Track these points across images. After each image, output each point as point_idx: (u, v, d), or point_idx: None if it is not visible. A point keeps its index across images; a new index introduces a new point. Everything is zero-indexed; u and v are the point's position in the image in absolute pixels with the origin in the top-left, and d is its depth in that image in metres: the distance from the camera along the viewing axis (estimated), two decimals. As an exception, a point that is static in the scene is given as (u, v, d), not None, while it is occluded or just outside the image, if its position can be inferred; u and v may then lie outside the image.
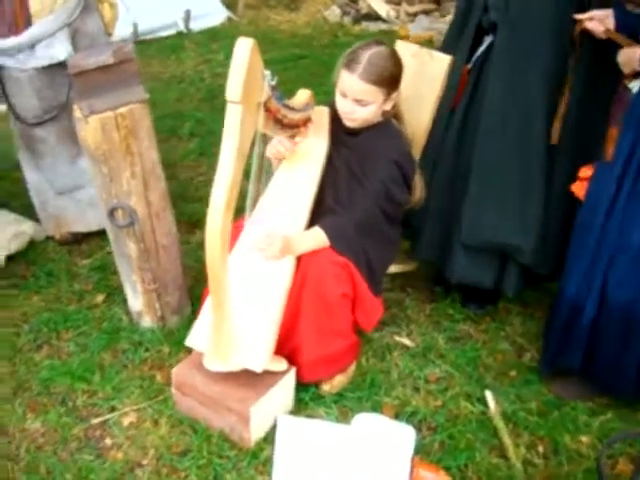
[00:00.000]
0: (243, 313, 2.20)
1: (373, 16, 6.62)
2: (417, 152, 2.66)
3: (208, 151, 4.07)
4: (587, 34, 2.33)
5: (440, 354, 2.67)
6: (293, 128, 2.26)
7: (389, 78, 2.30)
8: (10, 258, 3.10)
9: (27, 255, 3.17)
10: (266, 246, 2.27)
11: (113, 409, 2.40)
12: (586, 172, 2.31)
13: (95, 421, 2.35)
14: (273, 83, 1.91)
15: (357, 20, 6.63)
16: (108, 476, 2.15)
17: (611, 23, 2.24)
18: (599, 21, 2.25)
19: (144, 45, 5.80)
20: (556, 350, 2.46)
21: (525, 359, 2.68)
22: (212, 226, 1.89)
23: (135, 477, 2.16)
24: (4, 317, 2.79)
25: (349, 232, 2.34)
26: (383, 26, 6.46)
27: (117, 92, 2.29)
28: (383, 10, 6.53)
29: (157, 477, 2.15)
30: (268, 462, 2.20)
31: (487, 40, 2.49)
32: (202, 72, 5.40)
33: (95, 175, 2.41)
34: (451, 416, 2.40)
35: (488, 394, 2.45)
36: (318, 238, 2.32)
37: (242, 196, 2.19)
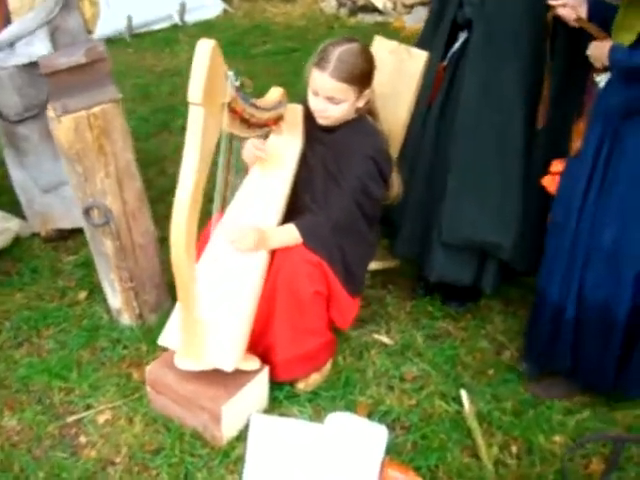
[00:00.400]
0: (213, 311, 2.21)
1: (370, 8, 6.60)
2: (395, 149, 2.65)
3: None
4: (560, 22, 2.31)
5: (418, 352, 2.67)
6: (262, 127, 2.26)
7: (360, 75, 2.29)
8: (-5, 254, 3.12)
9: (12, 252, 3.19)
10: (239, 238, 2.26)
11: (89, 407, 2.41)
12: (557, 166, 2.31)
13: (70, 419, 2.37)
14: (237, 84, 1.90)
15: (353, 12, 6.61)
16: (80, 474, 2.17)
17: (584, 12, 2.22)
18: (572, 8, 2.22)
19: (138, 38, 5.81)
20: (541, 352, 2.44)
21: (504, 357, 2.68)
22: (177, 225, 1.90)
23: (107, 475, 2.17)
24: (-14, 314, 2.81)
25: (324, 231, 2.33)
26: (379, 18, 6.44)
27: (90, 92, 2.29)
28: (380, 2, 6.51)
29: (129, 475, 2.17)
30: (239, 461, 2.21)
31: (462, 36, 2.48)
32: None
33: (70, 174, 2.42)
34: (425, 415, 2.40)
35: (463, 393, 2.45)
36: (292, 234, 2.32)
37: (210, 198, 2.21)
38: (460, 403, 2.43)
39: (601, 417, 2.42)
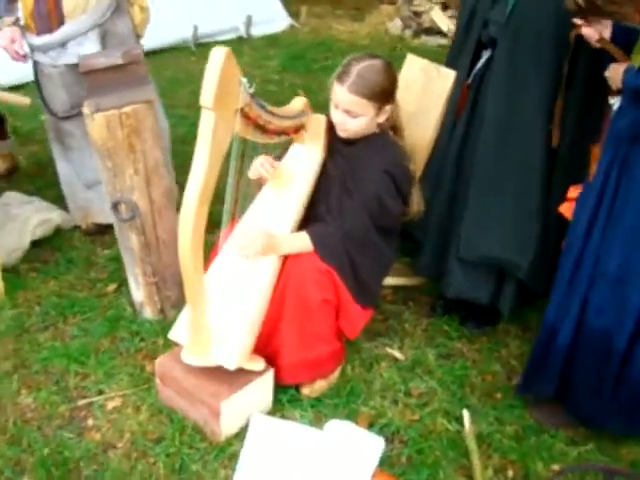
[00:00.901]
0: (221, 311, 2.28)
1: (434, 30, 6.63)
2: (419, 166, 2.69)
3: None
4: (583, 44, 2.31)
5: (428, 369, 2.68)
6: (281, 134, 2.32)
7: (379, 92, 2.33)
8: (37, 243, 3.27)
9: (52, 241, 3.34)
10: (247, 243, 2.33)
11: (100, 392, 2.51)
12: (573, 192, 2.30)
13: (81, 402, 2.47)
14: (251, 90, 1.97)
15: (417, 33, 6.66)
16: (82, 454, 2.26)
17: (607, 33, 2.21)
18: (595, 28, 2.22)
19: (203, 47, 5.98)
20: (531, 374, 2.44)
21: (515, 382, 2.66)
22: (184, 225, 1.98)
23: (107, 458, 2.26)
24: (19, 297, 2.95)
25: (335, 241, 2.38)
26: (442, 40, 6.46)
27: (124, 92, 2.41)
28: (444, 24, 6.53)
29: (127, 460, 2.25)
30: (234, 457, 2.26)
31: (485, 55, 2.51)
32: (253, 77, 5.43)
33: (102, 169, 2.54)
34: (425, 431, 2.41)
35: (465, 413, 2.44)
36: (303, 241, 2.37)
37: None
38: (462, 423, 2.43)
39: (605, 451, 2.38)
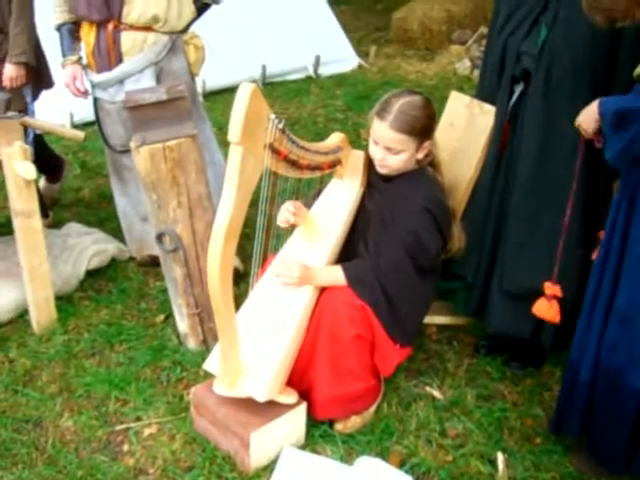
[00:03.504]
0: (255, 343, 2.31)
1: (502, 70, 6.58)
2: (461, 203, 2.69)
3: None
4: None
5: (466, 410, 2.63)
6: (314, 170, 2.35)
7: (420, 128, 2.34)
8: (92, 273, 3.39)
9: (108, 272, 3.46)
10: (284, 270, 2.36)
11: (138, 419, 2.56)
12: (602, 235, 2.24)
13: (119, 427, 2.53)
14: (281, 126, 2.01)
15: (485, 74, 6.62)
16: (113, 478, 2.31)
17: None
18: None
19: (271, 87, 6.13)
20: (561, 413, 2.37)
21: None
22: (212, 256, 2.02)
23: (137, 483, 2.31)
24: (71, 324, 3.06)
25: (369, 277, 2.38)
26: (509, 81, 6.41)
27: (168, 127, 2.50)
28: (512, 65, 6.48)
29: (156, 487, 2.29)
30: (262, 489, 2.27)
31: (518, 89, 2.49)
32: (318, 116, 5.61)
33: (147, 201, 2.63)
34: (457, 473, 2.36)
35: (500, 456, 2.38)
36: (337, 276, 2.38)
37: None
38: (496, 467, 2.37)
39: (649, 504, 2.28)
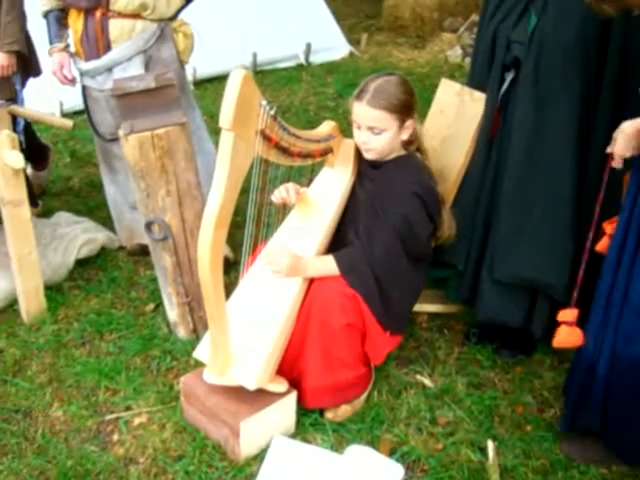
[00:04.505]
0: (244, 331, 2.30)
1: (494, 58, 6.56)
2: (451, 190, 2.68)
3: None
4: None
5: (456, 398, 2.63)
6: (306, 157, 2.34)
7: (399, 104, 2.34)
8: (82, 262, 3.37)
9: (97, 261, 3.44)
10: (274, 260, 2.35)
11: (128, 408, 2.56)
12: (608, 228, 2.22)
13: (109, 417, 2.52)
14: (272, 112, 2.00)
15: (476, 61, 6.61)
16: (103, 467, 2.30)
17: None
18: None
19: (262, 75, 6.10)
20: (575, 409, 2.36)
21: (547, 415, 2.58)
22: (203, 244, 2.01)
23: (127, 472, 2.30)
24: (61, 314, 3.04)
25: (362, 265, 2.37)
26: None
27: (157, 115, 2.48)
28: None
29: (146, 476, 2.28)
30: (252, 478, 2.27)
31: (509, 77, 2.48)
32: (309, 104, 5.59)
33: (136, 190, 2.61)
34: (447, 461, 2.36)
35: (490, 444, 2.39)
36: (329, 266, 2.37)
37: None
38: (487, 454, 2.37)
39: (639, 490, 2.29)
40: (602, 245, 2.29)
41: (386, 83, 2.35)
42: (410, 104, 2.39)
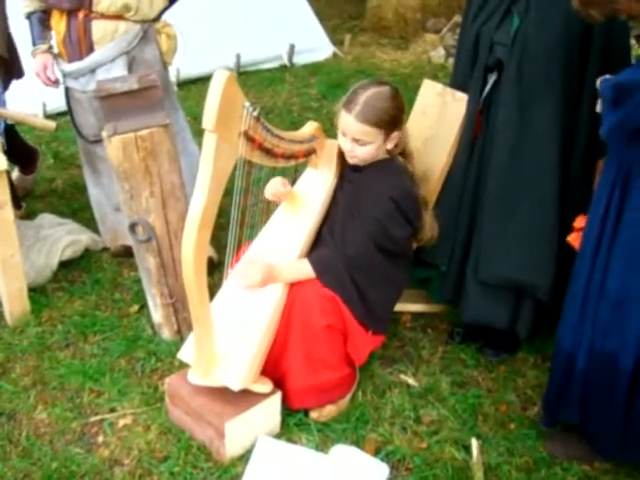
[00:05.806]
0: (228, 332, 2.31)
1: (476, 59, 6.60)
2: (434, 191, 2.70)
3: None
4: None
5: (440, 397, 2.65)
6: (290, 158, 2.35)
7: (387, 119, 2.34)
8: (66, 264, 3.35)
9: (81, 263, 3.42)
10: (247, 273, 2.36)
11: (112, 410, 2.55)
12: (580, 222, 2.25)
13: (93, 419, 2.52)
14: (255, 113, 2.01)
15: (459, 62, 6.64)
16: (88, 470, 2.30)
17: None
18: None
19: (246, 76, 6.09)
20: (555, 404, 2.38)
21: (530, 413, 2.61)
22: (187, 244, 2.02)
23: (112, 474, 2.30)
24: (44, 316, 3.03)
25: (337, 267, 2.38)
26: (484, 69, 6.43)
27: (140, 116, 2.48)
28: (487, 53, 6.50)
29: (131, 477, 2.28)
30: (238, 479, 2.27)
31: (491, 78, 2.50)
32: (292, 105, 5.59)
33: (119, 191, 2.61)
34: (431, 460, 2.38)
35: (474, 442, 2.40)
36: (304, 269, 2.39)
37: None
38: (471, 453, 2.39)
39: (620, 487, 2.31)
40: (573, 238, 2.32)
41: (376, 97, 2.32)
42: (399, 118, 2.39)
